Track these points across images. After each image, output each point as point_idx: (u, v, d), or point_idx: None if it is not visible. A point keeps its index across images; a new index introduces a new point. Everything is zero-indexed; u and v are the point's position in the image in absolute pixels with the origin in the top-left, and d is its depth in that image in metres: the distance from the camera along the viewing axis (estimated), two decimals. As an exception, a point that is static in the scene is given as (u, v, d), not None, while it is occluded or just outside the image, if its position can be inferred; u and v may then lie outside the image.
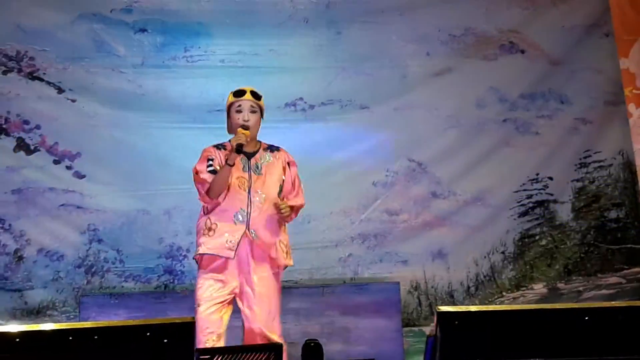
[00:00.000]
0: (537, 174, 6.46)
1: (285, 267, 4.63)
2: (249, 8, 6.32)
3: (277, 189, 4.61)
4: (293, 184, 4.69)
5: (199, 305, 4.41)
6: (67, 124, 6.03)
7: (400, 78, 6.44)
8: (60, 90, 6.04)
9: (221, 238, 4.46)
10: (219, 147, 4.67)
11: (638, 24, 5.97)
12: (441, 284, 6.30)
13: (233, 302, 4.50)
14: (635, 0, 5.98)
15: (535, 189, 6.45)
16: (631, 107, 5.96)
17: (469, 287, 6.33)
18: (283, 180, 4.68)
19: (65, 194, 5.97)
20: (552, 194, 6.49)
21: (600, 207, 6.53)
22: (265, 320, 4.47)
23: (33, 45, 6.04)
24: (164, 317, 4.65)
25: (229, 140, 4.59)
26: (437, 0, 6.50)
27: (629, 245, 6.48)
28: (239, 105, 4.61)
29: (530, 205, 6.45)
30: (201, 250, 4.47)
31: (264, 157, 4.68)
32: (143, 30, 6.20)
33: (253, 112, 4.61)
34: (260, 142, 4.72)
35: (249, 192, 4.53)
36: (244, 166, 4.59)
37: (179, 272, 6.03)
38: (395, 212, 6.32)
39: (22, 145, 5.96)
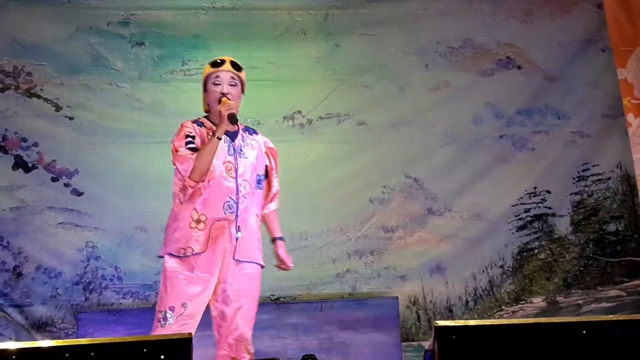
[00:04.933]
0: (535, 188, 6.44)
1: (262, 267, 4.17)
2: (247, 20, 6.31)
3: (259, 177, 4.18)
4: (275, 171, 4.30)
5: (180, 312, 3.90)
6: (64, 141, 6.01)
7: (399, 91, 6.43)
8: (57, 108, 6.02)
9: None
10: (198, 123, 4.13)
11: (634, 35, 6.03)
12: (440, 299, 6.26)
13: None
14: (631, 12, 6.04)
15: (533, 203, 6.43)
16: (630, 117, 6.00)
17: (467, 302, 6.29)
18: (267, 166, 4.26)
19: (63, 212, 5.93)
20: (550, 207, 6.46)
21: (599, 220, 6.51)
22: (249, 323, 4.06)
23: (30, 60, 6.03)
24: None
25: (204, 116, 4.16)
26: (436, 12, 6.51)
27: (628, 258, 6.45)
28: (217, 77, 4.11)
29: (529, 219, 6.42)
30: (197, 249, 3.95)
31: (245, 139, 4.19)
32: (140, 44, 6.19)
33: (233, 85, 4.11)
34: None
35: (235, 178, 4.04)
36: (228, 148, 4.08)
37: (178, 289, 5.98)
38: (391, 229, 6.28)
39: (20, 163, 5.94)
